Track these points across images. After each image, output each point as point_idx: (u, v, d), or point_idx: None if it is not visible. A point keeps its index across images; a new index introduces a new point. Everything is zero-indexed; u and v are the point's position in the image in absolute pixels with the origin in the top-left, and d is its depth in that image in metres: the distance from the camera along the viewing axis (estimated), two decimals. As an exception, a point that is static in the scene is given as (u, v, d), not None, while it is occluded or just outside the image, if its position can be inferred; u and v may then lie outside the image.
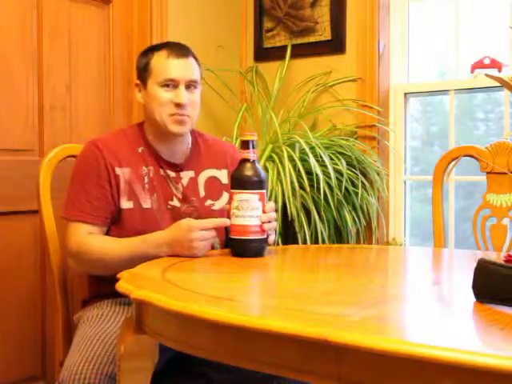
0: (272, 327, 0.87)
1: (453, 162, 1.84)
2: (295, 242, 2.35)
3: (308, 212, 2.38)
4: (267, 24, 2.99)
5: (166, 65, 1.60)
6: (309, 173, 2.35)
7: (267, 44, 2.99)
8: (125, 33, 2.55)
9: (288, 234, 2.44)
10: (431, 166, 1.92)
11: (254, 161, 1.51)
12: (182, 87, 1.59)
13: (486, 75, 1.41)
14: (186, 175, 1.67)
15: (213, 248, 1.57)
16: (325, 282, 1.31)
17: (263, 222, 1.49)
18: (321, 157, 2.37)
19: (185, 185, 1.66)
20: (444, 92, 2.64)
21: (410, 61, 2.76)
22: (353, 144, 2.60)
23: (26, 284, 2.20)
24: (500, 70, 2.43)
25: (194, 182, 1.68)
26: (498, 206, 1.79)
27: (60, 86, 2.31)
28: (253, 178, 1.49)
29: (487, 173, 1.81)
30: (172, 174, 1.66)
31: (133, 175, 1.61)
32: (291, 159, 2.37)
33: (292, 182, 2.32)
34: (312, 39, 2.85)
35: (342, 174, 2.40)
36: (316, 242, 2.37)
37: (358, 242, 2.55)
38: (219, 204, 1.70)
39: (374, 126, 2.68)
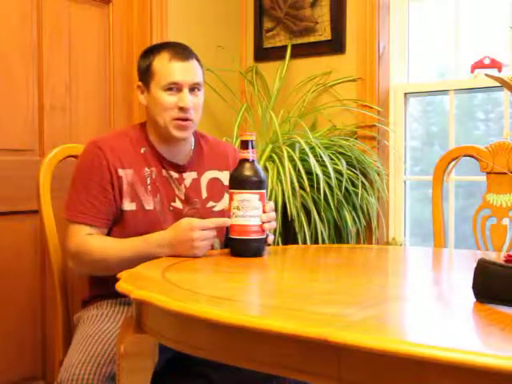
0: (272, 327, 0.87)
1: (453, 162, 1.84)
2: (295, 242, 2.35)
3: (308, 212, 2.38)
4: (267, 24, 2.99)
5: (168, 68, 1.59)
6: (309, 173, 2.35)
7: (267, 44, 2.99)
8: (125, 33, 2.55)
9: (288, 234, 2.44)
10: (431, 166, 1.92)
11: (253, 161, 1.51)
12: (185, 90, 1.59)
13: (486, 75, 1.41)
14: (189, 176, 1.67)
15: (213, 248, 1.57)
16: (325, 282, 1.31)
17: (263, 222, 1.49)
18: (321, 157, 2.37)
19: (187, 186, 1.66)
20: (444, 92, 2.64)
21: (409, 61, 2.75)
22: (353, 144, 2.60)
23: (25, 284, 2.20)
24: (500, 70, 2.43)
25: (196, 183, 1.68)
26: (497, 206, 1.79)
27: (60, 86, 2.31)
28: (253, 178, 1.49)
29: (487, 173, 1.81)
30: (175, 174, 1.65)
31: (135, 177, 1.61)
32: (291, 159, 2.37)
33: (292, 182, 2.32)
34: (312, 39, 2.85)
35: (342, 174, 2.40)
36: (316, 242, 2.37)
37: (358, 241, 2.55)
38: (221, 206, 1.70)
39: (374, 125, 2.68)
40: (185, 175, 1.67)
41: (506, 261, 1.23)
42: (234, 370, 1.21)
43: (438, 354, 0.74)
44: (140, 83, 1.66)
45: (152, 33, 2.57)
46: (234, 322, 0.91)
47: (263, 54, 3.01)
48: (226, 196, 1.70)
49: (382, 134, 2.70)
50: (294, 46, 2.89)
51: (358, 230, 2.53)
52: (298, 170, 2.34)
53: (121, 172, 1.60)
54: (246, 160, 1.50)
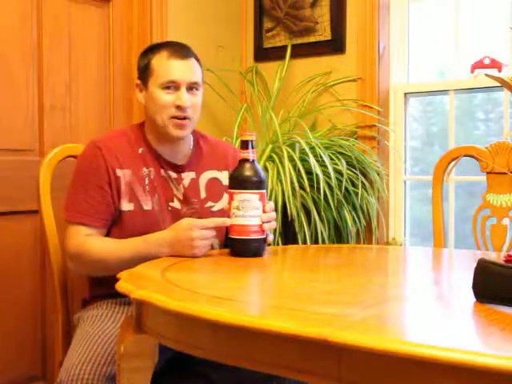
0: (272, 327, 0.87)
1: (453, 162, 1.84)
2: (295, 242, 2.35)
3: (308, 212, 2.38)
4: (267, 24, 2.99)
5: (167, 66, 1.59)
6: (309, 173, 2.35)
7: (267, 44, 2.99)
8: (125, 33, 2.55)
9: (288, 234, 2.44)
10: (431, 166, 1.92)
11: (253, 161, 1.51)
12: (183, 89, 1.58)
13: (486, 75, 1.41)
14: (188, 176, 1.67)
15: (212, 248, 1.57)
16: (325, 282, 1.31)
17: (263, 222, 1.49)
18: (321, 157, 2.37)
19: (186, 186, 1.66)
20: (444, 92, 2.64)
21: (409, 61, 2.75)
22: (353, 144, 2.60)
23: (25, 284, 2.20)
24: (500, 70, 2.42)
25: (195, 183, 1.68)
26: (497, 206, 1.79)
27: (60, 86, 2.31)
28: (253, 178, 1.49)
29: (487, 173, 1.81)
30: (173, 174, 1.65)
31: (133, 177, 1.61)
32: (291, 159, 2.37)
33: (292, 182, 2.32)
34: (312, 39, 2.85)
35: (342, 174, 2.40)
36: (316, 242, 2.37)
37: (358, 241, 2.55)
38: (220, 205, 1.69)
39: (374, 125, 2.68)
40: (183, 175, 1.66)
41: (506, 261, 1.23)
42: (233, 370, 1.21)
43: (438, 353, 0.74)
44: (138, 81, 1.66)
45: (152, 33, 2.57)
46: (234, 322, 0.91)
47: (263, 53, 3.01)
48: (225, 196, 1.70)
49: (382, 134, 2.70)
50: (293, 46, 2.89)
51: (358, 230, 2.53)
52: (298, 170, 2.34)
53: (119, 172, 1.60)
54: (246, 160, 1.50)
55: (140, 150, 1.64)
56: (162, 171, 1.64)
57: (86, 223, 1.57)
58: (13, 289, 2.16)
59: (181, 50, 1.62)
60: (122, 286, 1.16)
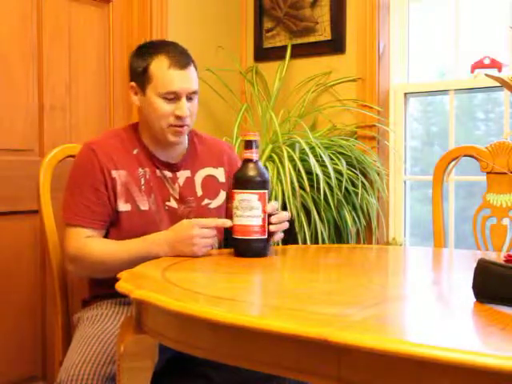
0: (272, 327, 0.87)
1: (453, 162, 1.84)
2: (295, 242, 2.35)
3: (308, 212, 2.38)
4: (267, 24, 2.99)
5: (168, 76, 1.57)
6: (309, 173, 2.35)
7: (267, 44, 2.99)
8: (125, 33, 2.55)
9: (288, 234, 2.44)
10: (431, 166, 1.92)
11: (256, 161, 1.51)
12: (183, 99, 1.58)
13: (486, 75, 1.41)
14: (183, 175, 1.67)
15: (211, 248, 1.57)
16: (325, 282, 1.31)
17: (271, 223, 1.49)
18: (321, 157, 2.37)
19: (181, 184, 1.66)
20: (444, 92, 2.64)
21: (410, 61, 2.75)
22: (353, 144, 2.60)
23: (25, 284, 2.20)
24: (500, 70, 2.42)
25: (190, 181, 1.68)
26: (498, 206, 1.79)
27: (60, 86, 2.31)
28: (252, 178, 1.50)
29: (487, 173, 1.81)
30: (169, 174, 1.65)
31: (129, 178, 1.61)
32: (291, 159, 2.37)
33: (292, 182, 2.32)
34: (312, 39, 2.85)
35: (342, 174, 2.40)
36: (316, 242, 2.37)
37: (358, 241, 2.55)
38: (216, 203, 1.70)
39: (374, 125, 2.68)
40: (178, 174, 1.67)
41: (506, 261, 1.23)
42: (234, 370, 1.21)
43: (438, 353, 0.74)
44: (134, 84, 1.64)
45: (152, 33, 2.57)
46: (234, 322, 0.91)
47: (263, 54, 3.01)
48: (222, 193, 1.71)
49: (382, 134, 2.70)
50: (294, 46, 2.89)
51: (357, 230, 2.53)
52: (298, 170, 2.34)
53: (114, 173, 1.60)
54: (249, 160, 1.51)
55: (135, 151, 1.64)
56: (158, 171, 1.64)
57: (84, 225, 1.57)
58: (13, 289, 2.16)
59: (181, 58, 1.59)
60: (121, 285, 1.16)
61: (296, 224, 2.33)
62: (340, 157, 2.47)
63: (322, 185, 2.29)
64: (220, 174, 1.72)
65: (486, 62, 2.45)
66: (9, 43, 2.16)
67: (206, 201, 1.69)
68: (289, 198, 2.29)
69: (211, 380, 1.54)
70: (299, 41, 2.89)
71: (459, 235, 2.61)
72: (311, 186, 2.34)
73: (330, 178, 2.37)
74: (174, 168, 1.66)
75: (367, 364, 0.83)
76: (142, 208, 1.61)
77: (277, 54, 2.93)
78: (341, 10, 2.76)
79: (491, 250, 1.77)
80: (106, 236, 1.62)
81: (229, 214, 1.60)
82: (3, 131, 2.15)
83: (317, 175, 2.30)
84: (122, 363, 1.20)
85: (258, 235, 1.49)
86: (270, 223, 1.50)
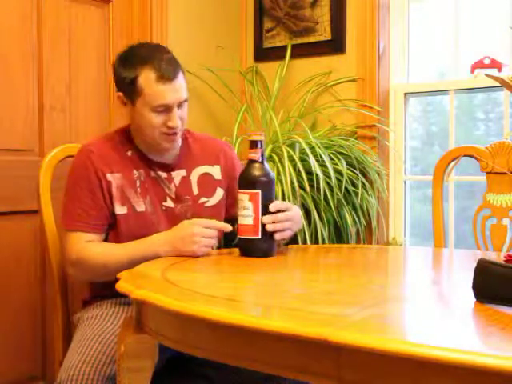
0: (272, 327, 0.87)
1: (453, 162, 1.84)
2: (295, 242, 2.34)
3: (308, 212, 2.38)
4: (267, 24, 2.99)
5: (157, 90, 1.53)
6: (309, 173, 2.35)
7: (267, 44, 2.99)
8: (125, 33, 2.55)
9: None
10: (431, 166, 1.92)
11: (259, 161, 1.51)
12: (174, 109, 1.56)
13: (486, 75, 1.41)
14: (178, 174, 1.67)
15: (212, 248, 1.57)
16: (325, 282, 1.31)
17: (265, 223, 1.49)
18: (321, 157, 2.37)
19: (177, 184, 1.66)
20: (444, 92, 2.64)
21: (410, 61, 2.75)
22: (353, 144, 2.59)
23: (25, 284, 2.20)
24: (500, 70, 2.42)
25: (186, 180, 1.68)
26: (498, 206, 1.79)
27: (60, 86, 2.31)
28: (246, 178, 1.51)
29: (487, 173, 1.81)
30: (163, 174, 1.65)
31: (124, 180, 1.61)
32: (291, 159, 2.37)
33: (292, 182, 2.32)
34: (312, 39, 2.85)
35: (342, 174, 2.40)
36: (316, 242, 2.37)
37: (358, 242, 2.55)
38: (213, 201, 1.70)
39: (374, 125, 2.68)
40: (173, 174, 1.66)
41: (506, 261, 1.23)
42: (234, 370, 1.21)
43: (438, 353, 0.74)
44: (122, 94, 1.60)
45: (152, 33, 2.57)
46: (234, 322, 0.91)
47: (263, 53, 3.00)
48: (219, 190, 1.71)
49: (382, 134, 2.70)
50: (293, 46, 2.89)
51: (357, 230, 2.53)
52: (298, 170, 2.34)
53: (109, 177, 1.60)
54: (251, 160, 1.52)
55: (129, 153, 1.64)
56: (152, 172, 1.64)
57: (82, 230, 1.58)
58: (13, 289, 2.16)
59: (168, 69, 1.55)
60: (121, 285, 1.16)
61: (296, 224, 2.33)
62: (340, 157, 2.47)
63: (322, 185, 2.29)
64: (216, 171, 1.72)
65: (486, 62, 2.45)
66: (9, 43, 2.16)
67: (203, 199, 1.69)
68: (289, 198, 2.29)
69: (211, 380, 1.54)
70: (299, 41, 2.88)
71: (459, 235, 2.61)
72: (311, 186, 2.33)
73: (330, 177, 2.36)
74: (168, 168, 1.66)
75: (367, 364, 0.83)
76: (139, 210, 1.61)
77: (277, 54, 2.93)
78: (341, 10, 2.76)
79: (491, 250, 1.77)
80: (106, 240, 1.62)
81: (219, 209, 1.66)
82: (3, 131, 2.15)
83: (317, 175, 2.30)
84: (122, 363, 1.20)
85: (248, 235, 1.49)
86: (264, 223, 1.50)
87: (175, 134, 1.59)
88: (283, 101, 2.89)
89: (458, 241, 2.61)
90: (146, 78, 1.54)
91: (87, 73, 2.42)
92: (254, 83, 2.93)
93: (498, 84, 1.34)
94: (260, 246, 1.50)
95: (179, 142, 1.65)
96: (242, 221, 1.50)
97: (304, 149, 2.37)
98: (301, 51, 2.87)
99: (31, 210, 2.00)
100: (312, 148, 2.37)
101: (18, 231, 2.17)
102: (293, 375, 0.93)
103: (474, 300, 1.00)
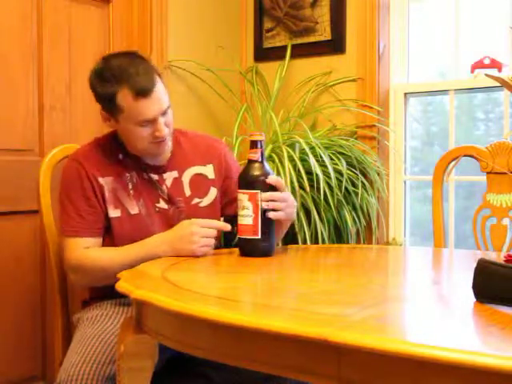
0: (272, 327, 0.87)
1: (453, 162, 1.84)
2: (295, 242, 2.35)
3: (308, 212, 2.38)
4: (267, 24, 2.99)
5: (137, 107, 1.50)
6: (309, 173, 2.35)
7: (267, 44, 2.99)
8: (125, 33, 2.55)
9: (288, 234, 2.44)
10: (431, 166, 1.92)
11: (259, 161, 1.51)
12: (159, 120, 1.54)
13: (486, 75, 1.41)
14: (170, 176, 1.66)
15: (211, 248, 1.57)
16: (325, 282, 1.31)
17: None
18: (321, 157, 2.37)
19: (169, 186, 1.65)
20: (444, 92, 2.64)
21: (410, 61, 2.75)
22: (353, 144, 2.60)
23: (25, 284, 2.20)
24: (500, 70, 2.42)
25: (178, 182, 1.67)
26: (498, 206, 1.79)
27: (60, 86, 2.31)
28: (245, 178, 1.51)
29: (487, 173, 1.81)
30: (155, 176, 1.64)
31: (116, 183, 1.61)
32: (291, 159, 2.37)
33: (292, 182, 2.31)
34: (312, 39, 2.85)
35: (342, 174, 2.40)
36: (316, 242, 2.37)
37: (358, 242, 2.55)
38: (207, 201, 1.69)
39: (374, 125, 2.68)
40: (165, 176, 1.65)
41: (506, 261, 1.23)
42: (234, 370, 1.21)
43: (438, 353, 0.74)
44: (103, 112, 1.59)
45: (152, 33, 2.57)
46: (234, 322, 0.91)
47: (263, 53, 3.01)
48: (213, 190, 1.70)
49: (382, 134, 2.70)
50: (293, 46, 2.89)
51: (357, 230, 2.53)
52: (298, 170, 2.34)
53: (101, 180, 1.60)
54: (251, 160, 1.51)
55: (120, 156, 1.63)
56: (145, 174, 1.64)
57: (80, 235, 1.58)
58: (13, 289, 2.16)
59: (144, 84, 1.50)
60: (121, 285, 1.16)
61: (296, 224, 2.33)
62: (340, 157, 2.47)
63: (322, 185, 2.29)
64: (209, 171, 1.71)
65: (486, 62, 2.45)
66: (9, 43, 2.16)
67: (196, 200, 1.68)
68: (289, 198, 2.29)
69: (211, 380, 1.54)
70: (299, 41, 2.88)
71: (459, 235, 2.61)
72: (311, 186, 2.33)
73: (330, 177, 2.36)
74: (160, 170, 1.65)
75: (367, 364, 0.83)
76: (132, 212, 1.61)
77: (277, 54, 2.93)
78: (341, 10, 2.76)
79: (491, 250, 1.77)
80: (102, 244, 1.62)
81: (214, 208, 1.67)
82: (3, 131, 2.15)
83: (317, 175, 2.30)
84: (122, 363, 1.20)
85: (247, 235, 1.49)
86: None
87: (164, 140, 1.57)
88: (283, 101, 2.89)
89: (458, 241, 2.61)
90: (124, 96, 1.50)
91: (87, 73, 2.40)
92: (254, 83, 2.93)
93: (498, 84, 1.34)
94: (259, 246, 1.50)
95: (170, 145, 1.64)
96: (241, 221, 1.49)
97: (304, 149, 2.37)
98: (301, 51, 2.87)
99: (31, 209, 2.00)
100: (312, 148, 2.37)
101: (18, 231, 2.17)
102: (293, 375, 0.93)
103: (474, 300, 1.00)
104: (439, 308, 1.07)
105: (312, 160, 2.31)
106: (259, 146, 1.51)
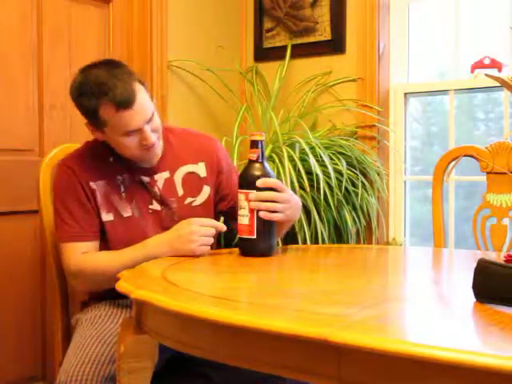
0: (272, 327, 0.87)
1: (453, 162, 1.84)
2: (295, 242, 2.35)
3: (308, 212, 2.38)
4: (267, 24, 2.99)
5: (121, 119, 1.48)
6: (309, 173, 2.35)
7: (267, 44, 2.99)
8: (125, 33, 2.55)
9: (288, 234, 2.44)
10: (431, 166, 1.92)
11: (259, 161, 1.50)
12: (145, 128, 1.51)
13: (486, 75, 1.41)
14: (161, 177, 1.65)
15: (210, 249, 1.57)
16: (325, 282, 1.31)
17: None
18: (321, 157, 2.37)
19: (161, 187, 1.64)
20: (444, 92, 2.64)
21: (410, 61, 2.75)
22: (353, 144, 2.60)
23: (26, 284, 2.20)
24: (500, 70, 2.42)
25: (169, 182, 1.65)
26: (498, 206, 1.79)
27: (60, 86, 2.31)
28: (245, 178, 1.51)
29: (487, 173, 1.81)
30: (146, 178, 1.63)
31: (108, 187, 1.60)
32: (291, 159, 2.37)
33: (292, 182, 2.32)
34: (312, 39, 2.85)
35: (342, 174, 2.40)
36: (316, 242, 2.37)
37: (358, 241, 2.55)
38: (200, 199, 1.68)
39: (374, 125, 2.68)
40: (156, 177, 1.64)
41: (506, 261, 1.23)
42: (234, 370, 1.21)
43: (438, 353, 0.74)
44: (88, 125, 1.56)
45: (152, 33, 2.57)
46: (234, 322, 0.91)
47: (263, 54, 3.01)
48: (206, 188, 1.69)
49: (382, 134, 2.70)
50: (293, 46, 2.89)
51: (357, 230, 2.53)
52: (298, 170, 2.34)
53: (93, 185, 1.59)
54: (251, 160, 1.51)
55: (111, 159, 1.62)
56: (136, 176, 1.63)
57: (77, 240, 1.57)
58: (13, 289, 2.16)
59: (124, 95, 1.47)
60: (121, 285, 1.16)
61: (296, 224, 2.33)
62: (340, 157, 2.47)
63: (322, 185, 2.29)
64: (201, 169, 1.69)
65: (486, 62, 2.45)
66: (9, 43, 2.16)
67: (189, 199, 1.67)
68: (289, 198, 2.29)
69: (211, 380, 1.54)
70: (299, 41, 2.89)
71: (459, 235, 2.61)
72: (311, 186, 2.33)
73: (330, 177, 2.36)
74: (150, 172, 1.64)
75: (367, 364, 0.83)
76: (125, 215, 1.60)
77: (277, 54, 2.93)
78: (341, 10, 2.76)
79: (491, 250, 1.77)
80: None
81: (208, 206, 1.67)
82: (3, 131, 2.15)
83: (317, 175, 2.30)
84: (122, 363, 1.20)
85: (243, 235, 1.49)
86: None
87: (153, 145, 1.55)
88: (283, 101, 2.89)
89: (458, 241, 2.61)
90: (106, 109, 1.48)
91: (87, 73, 2.41)
92: (254, 83, 2.93)
93: (498, 84, 1.34)
94: (257, 246, 1.49)
95: (160, 146, 1.63)
96: (239, 220, 1.50)
97: (304, 149, 2.37)
98: (301, 51, 2.87)
99: (31, 209, 1.99)
100: (312, 148, 2.37)
101: (18, 231, 2.17)
102: (293, 375, 0.93)
103: (474, 300, 1.00)
104: (439, 308, 1.07)
105: (312, 160, 2.31)
106: (259, 146, 1.51)
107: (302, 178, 2.33)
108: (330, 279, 1.33)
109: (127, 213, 1.60)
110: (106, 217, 1.59)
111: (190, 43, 2.78)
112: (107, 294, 1.58)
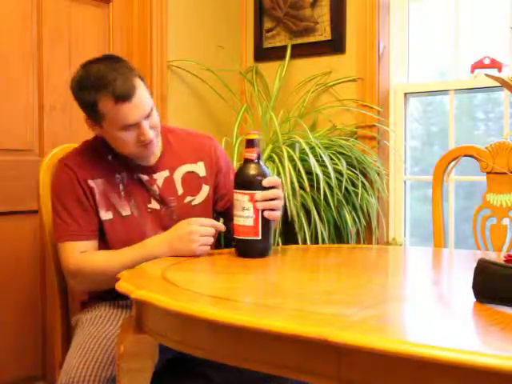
0: (272, 327, 0.87)
1: (453, 162, 1.84)
2: (295, 242, 2.34)
3: (308, 212, 2.38)
4: (267, 24, 2.99)
5: (118, 113, 1.48)
6: (309, 173, 2.35)
7: (267, 44, 2.99)
8: (125, 33, 2.55)
9: (288, 234, 2.44)
10: (431, 166, 1.92)
11: (255, 161, 1.49)
12: (142, 124, 1.52)
13: (486, 75, 1.41)
14: (160, 176, 1.65)
15: (210, 248, 1.57)
16: (325, 282, 1.31)
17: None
18: (321, 157, 2.37)
19: (160, 186, 1.64)
20: (444, 92, 2.64)
21: (410, 61, 2.75)
22: (353, 144, 2.60)
23: (25, 284, 2.20)
24: (500, 70, 2.42)
25: (169, 181, 1.65)
26: (498, 206, 1.79)
27: (60, 86, 2.31)
28: (244, 178, 1.49)
29: (487, 173, 1.81)
30: (145, 177, 1.63)
31: (107, 185, 1.60)
32: (291, 159, 2.37)
33: (292, 182, 2.31)
34: (312, 39, 2.85)
35: (342, 174, 2.40)
36: (316, 242, 2.37)
37: (358, 241, 2.55)
38: (199, 199, 1.68)
39: (374, 125, 2.68)
40: (155, 176, 1.64)
41: (506, 261, 1.23)
42: (234, 370, 1.21)
43: (438, 353, 0.74)
44: (87, 119, 1.57)
45: (152, 33, 2.57)
46: (234, 322, 0.91)
47: (263, 53, 3.01)
48: (205, 187, 1.69)
49: (382, 134, 2.70)
50: (293, 46, 2.89)
51: (357, 230, 2.53)
52: (298, 170, 2.34)
53: (91, 183, 1.58)
54: (247, 160, 1.50)
55: (109, 157, 1.62)
56: (135, 175, 1.62)
57: (75, 239, 1.57)
58: (13, 288, 2.16)
59: (124, 88, 1.47)
60: (122, 285, 1.16)
61: (296, 224, 2.33)
62: (340, 157, 2.46)
63: (322, 185, 2.29)
64: (200, 168, 1.69)
65: (486, 62, 2.45)
66: (9, 43, 2.16)
67: (188, 198, 1.67)
68: (289, 197, 2.29)
69: (211, 380, 1.54)
70: (299, 41, 2.89)
71: (459, 235, 2.61)
72: (311, 186, 2.33)
73: (330, 177, 2.36)
74: (149, 170, 1.63)
75: (367, 364, 0.83)
76: (124, 214, 1.60)
77: (277, 54, 2.93)
78: (341, 10, 2.76)
79: (491, 250, 1.77)
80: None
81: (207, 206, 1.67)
82: (3, 131, 2.15)
83: (317, 175, 2.30)
84: (122, 363, 1.20)
85: (247, 236, 1.47)
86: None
87: (151, 142, 1.55)
88: (283, 101, 2.89)
89: (458, 241, 2.61)
90: (105, 102, 1.48)
91: (87, 73, 2.41)
92: (254, 83, 2.93)
93: (498, 84, 1.34)
94: (259, 247, 1.48)
95: (158, 144, 1.63)
96: (240, 221, 1.47)
97: (304, 149, 2.37)
98: (301, 51, 2.87)
99: (31, 209, 2.00)
100: (312, 148, 2.37)
101: (18, 231, 2.17)
102: (293, 375, 0.93)
103: (474, 300, 1.00)
104: (439, 308, 1.07)
105: (312, 160, 2.31)
106: (256, 144, 1.49)
107: (302, 178, 2.32)
108: (330, 279, 1.33)
109: (126, 211, 1.60)
110: (105, 215, 1.59)
111: (190, 43, 2.78)
112: (107, 294, 1.58)
